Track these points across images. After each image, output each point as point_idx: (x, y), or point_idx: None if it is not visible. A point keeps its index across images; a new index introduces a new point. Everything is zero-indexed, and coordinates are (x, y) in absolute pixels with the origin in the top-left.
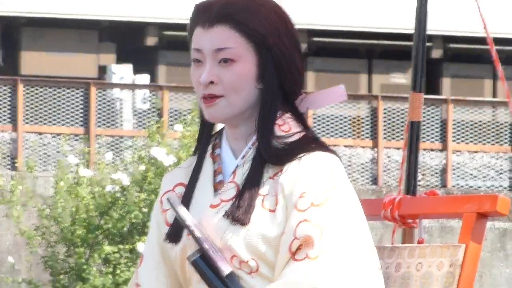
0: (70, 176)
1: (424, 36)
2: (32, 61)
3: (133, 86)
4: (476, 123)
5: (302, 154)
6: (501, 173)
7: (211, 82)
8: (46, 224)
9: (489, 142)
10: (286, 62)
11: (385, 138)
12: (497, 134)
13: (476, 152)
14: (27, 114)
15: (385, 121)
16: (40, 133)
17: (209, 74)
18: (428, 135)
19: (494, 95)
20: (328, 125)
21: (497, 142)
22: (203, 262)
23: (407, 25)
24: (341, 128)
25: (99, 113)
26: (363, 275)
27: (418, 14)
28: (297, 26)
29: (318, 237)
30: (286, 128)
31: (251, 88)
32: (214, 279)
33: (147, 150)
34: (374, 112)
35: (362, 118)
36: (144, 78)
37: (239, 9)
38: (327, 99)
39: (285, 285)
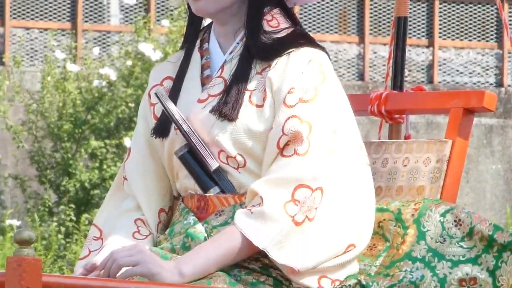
0: (57, 71)
1: None
2: None
3: None
4: (462, 20)
5: (290, 50)
6: (487, 69)
7: None
8: (33, 119)
9: (475, 39)
10: None
11: (371, 34)
12: (483, 31)
13: (462, 48)
14: (14, 9)
15: (371, 16)
16: (27, 28)
17: None
18: (414, 31)
19: None
20: (314, 19)
21: (483, 39)
22: (191, 157)
23: None
24: (327, 23)
25: (86, 8)
26: (352, 171)
27: None
28: None
29: (306, 133)
30: (275, 23)
31: None
32: (201, 173)
33: (134, 45)
34: (361, 7)
35: (349, 13)
36: None
37: None
38: None
39: (273, 181)
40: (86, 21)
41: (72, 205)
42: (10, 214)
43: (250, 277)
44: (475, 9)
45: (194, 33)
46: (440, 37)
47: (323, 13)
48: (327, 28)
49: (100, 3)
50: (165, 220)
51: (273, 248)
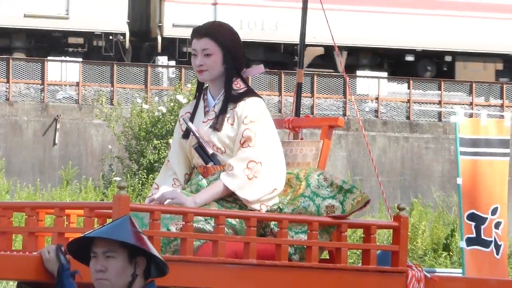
0: (138, 108)
1: (304, 35)
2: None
3: (167, 66)
4: (326, 84)
5: (246, 98)
6: (338, 108)
7: (201, 65)
8: (126, 130)
9: (332, 93)
10: (237, 55)
11: (284, 91)
12: (337, 89)
13: (327, 98)
14: (118, 78)
15: (285, 82)
16: (124, 88)
17: (199, 61)
18: (305, 89)
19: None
20: (257, 83)
21: (337, 93)
22: (199, 148)
23: None
24: (264, 85)
25: (152, 78)
26: (275, 155)
27: (302, 23)
28: None
29: (254, 137)
30: (238, 86)
31: (220, 67)
32: (204, 156)
33: (174, 96)
34: (280, 78)
35: (274, 81)
36: (172, 62)
37: (214, 30)
38: (255, 71)
39: (238, 159)
40: (152, 84)
41: (145, 171)
42: (114, 175)
43: (227, 204)
44: (333, 80)
45: (200, 90)
46: (317, 92)
47: (261, 80)
48: (264, 87)
49: (157, 76)
50: (188, 178)
51: (238, 190)
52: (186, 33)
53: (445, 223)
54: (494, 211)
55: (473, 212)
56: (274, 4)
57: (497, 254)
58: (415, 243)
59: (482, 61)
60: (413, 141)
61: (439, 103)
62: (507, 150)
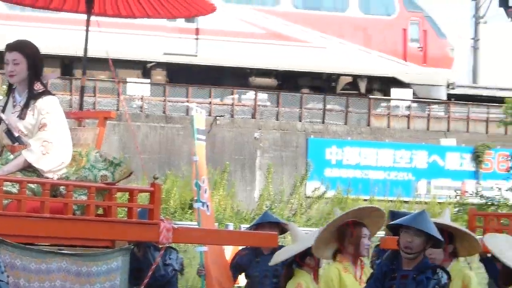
0: None
1: (86, 52)
2: None
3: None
4: (105, 87)
5: (44, 96)
6: (113, 105)
7: (11, 71)
8: None
9: (111, 94)
10: (38, 64)
11: (74, 91)
12: (114, 90)
13: (106, 97)
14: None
15: (74, 86)
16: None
17: (10, 68)
18: (89, 91)
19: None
20: (54, 86)
21: (112, 94)
22: (8, 132)
23: None
24: (59, 87)
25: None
26: (64, 137)
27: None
28: None
29: (48, 123)
30: (38, 87)
31: (25, 73)
32: (12, 137)
33: None
34: (71, 82)
35: (67, 85)
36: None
37: (21, 46)
38: (51, 76)
39: (36, 139)
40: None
41: None
42: None
43: (28, 173)
44: (111, 84)
45: (10, 89)
46: (98, 92)
47: (57, 84)
48: (59, 89)
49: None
50: (1, 154)
51: (35, 163)
52: None
53: (191, 189)
54: (203, 181)
55: (196, 181)
56: None
57: (208, 211)
58: (168, 203)
59: None
60: (168, 130)
61: (187, 101)
62: (204, 137)
